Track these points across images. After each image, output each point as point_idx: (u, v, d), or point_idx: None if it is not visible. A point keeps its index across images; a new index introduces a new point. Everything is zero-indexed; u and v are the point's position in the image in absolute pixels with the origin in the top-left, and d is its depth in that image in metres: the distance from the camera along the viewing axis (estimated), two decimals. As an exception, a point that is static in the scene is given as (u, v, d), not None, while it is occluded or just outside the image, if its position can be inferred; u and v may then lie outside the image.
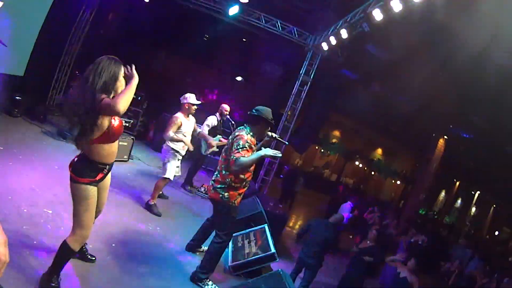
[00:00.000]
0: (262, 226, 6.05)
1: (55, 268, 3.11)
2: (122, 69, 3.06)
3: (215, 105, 8.43)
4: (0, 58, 7.66)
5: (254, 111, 4.43)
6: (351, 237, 12.41)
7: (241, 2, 10.96)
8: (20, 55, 8.90)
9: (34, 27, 8.99)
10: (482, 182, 27.13)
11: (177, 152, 6.33)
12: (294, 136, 13.29)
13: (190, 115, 6.50)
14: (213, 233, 4.86)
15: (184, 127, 6.31)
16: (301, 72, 11.91)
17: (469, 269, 10.31)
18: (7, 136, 7.27)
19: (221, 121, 8.23)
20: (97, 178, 3.13)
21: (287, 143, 5.20)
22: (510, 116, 10.70)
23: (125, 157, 8.88)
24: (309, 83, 11.85)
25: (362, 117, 24.22)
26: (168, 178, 6.30)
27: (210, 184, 4.46)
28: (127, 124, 10.84)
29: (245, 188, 4.45)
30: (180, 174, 6.85)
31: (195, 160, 8.61)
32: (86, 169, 3.06)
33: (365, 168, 30.64)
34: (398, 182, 31.17)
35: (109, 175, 3.40)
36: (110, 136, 3.06)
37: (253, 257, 5.13)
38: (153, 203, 6.21)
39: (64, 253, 3.10)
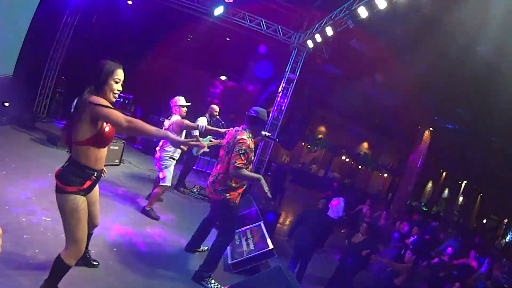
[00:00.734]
0: (257, 223, 6.14)
1: (52, 281, 3.01)
2: (120, 68, 3.03)
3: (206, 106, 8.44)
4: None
5: (252, 112, 4.49)
6: (342, 231, 12.56)
7: (226, 2, 11.01)
8: (6, 59, 8.85)
9: (20, 32, 8.95)
10: (468, 171, 27.55)
11: (173, 158, 6.35)
12: (282, 134, 13.39)
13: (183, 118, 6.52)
14: (212, 232, 4.94)
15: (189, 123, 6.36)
16: (286, 70, 12.01)
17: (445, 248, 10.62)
18: (-3, 145, 7.26)
19: (211, 121, 8.26)
20: (85, 186, 2.97)
21: (277, 140, 5.31)
22: (494, 107, 10.92)
23: (117, 161, 8.87)
24: (295, 80, 11.97)
25: (347, 112, 24.32)
26: (168, 186, 6.30)
27: (210, 186, 4.51)
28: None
29: (244, 188, 4.55)
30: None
31: (187, 161, 8.65)
32: (73, 176, 2.90)
33: (352, 162, 30.86)
34: (385, 175, 31.48)
35: (97, 187, 3.28)
36: (100, 139, 2.94)
37: (251, 254, 5.23)
38: (149, 208, 6.22)
39: (60, 269, 2.99)
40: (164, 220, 6.26)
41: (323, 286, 7.36)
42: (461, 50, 9.24)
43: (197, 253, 5.29)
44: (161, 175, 6.28)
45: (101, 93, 2.93)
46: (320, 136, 28.51)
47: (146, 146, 11.86)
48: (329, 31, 9.60)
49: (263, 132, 4.71)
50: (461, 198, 33.46)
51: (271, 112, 12.20)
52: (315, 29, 10.56)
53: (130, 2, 13.61)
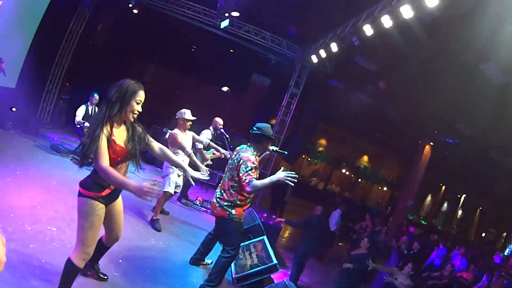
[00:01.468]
0: (261, 238, 6.14)
1: (62, 286, 3.06)
2: (143, 90, 3.07)
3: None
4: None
5: (255, 129, 4.52)
6: (340, 244, 12.55)
7: (232, 16, 11.10)
8: (12, 67, 8.91)
9: (25, 40, 9.01)
10: (467, 185, 27.57)
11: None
12: (284, 147, 13.41)
13: (187, 130, 6.55)
14: (216, 246, 4.93)
15: (182, 142, 6.38)
16: (290, 84, 12.09)
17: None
18: (2, 150, 7.28)
19: (215, 134, 8.28)
20: (103, 193, 3.04)
21: (286, 153, 5.34)
22: (493, 122, 10.99)
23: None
24: (298, 95, 12.04)
25: (348, 125, 24.44)
26: (168, 192, 6.32)
27: (215, 201, 4.53)
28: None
29: (249, 205, 4.57)
30: (179, 190, 6.91)
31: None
32: (92, 183, 3.00)
33: (352, 176, 30.86)
34: (385, 189, 31.47)
35: (120, 200, 3.37)
36: (114, 156, 2.99)
37: (255, 269, 5.22)
38: (156, 218, 6.23)
39: (69, 271, 3.05)
40: (168, 233, 6.25)
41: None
42: (463, 66, 9.30)
43: (201, 266, 5.28)
44: (163, 183, 6.34)
45: (121, 112, 3.00)
46: (320, 148, 28.55)
47: (150, 158, 11.86)
48: (334, 47, 9.68)
49: (271, 147, 4.73)
50: (460, 212, 33.40)
51: (274, 125, 12.24)
52: (319, 44, 10.64)
53: (135, 11, 13.70)
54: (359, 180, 30.95)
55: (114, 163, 3.01)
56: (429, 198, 32.53)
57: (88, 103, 8.86)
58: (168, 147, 6.39)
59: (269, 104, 17.33)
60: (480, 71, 9.37)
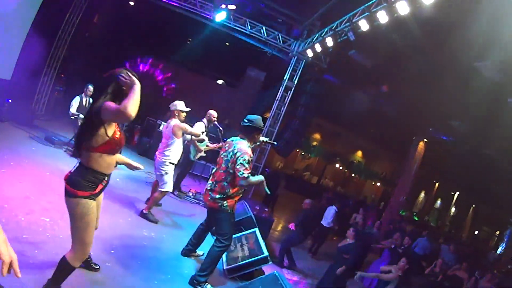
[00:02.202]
0: (252, 230, 6.21)
1: (55, 282, 3.06)
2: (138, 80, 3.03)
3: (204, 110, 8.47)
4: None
5: (246, 121, 4.57)
6: (334, 238, 12.63)
7: (228, 9, 11.10)
8: (7, 58, 8.89)
9: (21, 31, 8.98)
10: (461, 183, 27.71)
11: (172, 163, 6.38)
12: (278, 140, 13.46)
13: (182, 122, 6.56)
14: (208, 238, 4.99)
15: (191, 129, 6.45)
16: (285, 78, 12.11)
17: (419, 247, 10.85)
18: (-4, 142, 7.31)
19: (209, 127, 8.30)
20: (97, 190, 3.03)
21: (275, 143, 5.39)
22: (487, 120, 11.08)
23: (114, 163, 8.88)
24: (293, 88, 12.08)
25: (343, 120, 24.52)
26: (168, 191, 6.33)
27: (207, 193, 4.58)
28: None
29: (240, 195, 4.62)
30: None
31: (184, 166, 8.67)
32: (85, 181, 2.93)
33: (345, 171, 30.98)
34: (378, 184, 31.62)
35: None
36: (113, 146, 3.02)
37: (246, 260, 5.29)
38: (148, 212, 6.25)
39: (64, 270, 3.04)
40: (160, 224, 6.29)
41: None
42: (458, 63, 9.36)
43: (193, 258, 5.33)
44: (160, 180, 6.32)
45: (117, 102, 2.98)
46: (314, 143, 28.61)
47: (143, 149, 11.91)
48: (329, 41, 9.71)
49: (261, 138, 4.79)
50: (453, 209, 33.63)
51: (268, 118, 12.28)
52: (315, 38, 10.67)
53: (132, 3, 13.68)
54: (353, 175, 31.07)
55: (113, 153, 3.08)
56: (422, 194, 32.71)
57: (83, 94, 8.84)
58: (163, 139, 6.47)
59: (264, 97, 17.38)
60: (475, 69, 9.43)
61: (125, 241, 5.06)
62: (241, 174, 4.20)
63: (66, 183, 2.94)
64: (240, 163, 4.22)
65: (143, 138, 12.54)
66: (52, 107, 12.29)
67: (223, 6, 11.09)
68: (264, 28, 11.80)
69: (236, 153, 4.33)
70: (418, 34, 9.21)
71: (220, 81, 19.24)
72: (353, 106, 16.62)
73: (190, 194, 8.84)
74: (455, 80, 10.22)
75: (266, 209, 9.62)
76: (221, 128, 8.14)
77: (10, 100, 9.06)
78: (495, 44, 8.00)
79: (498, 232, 31.10)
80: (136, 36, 14.96)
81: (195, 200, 8.65)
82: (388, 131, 22.28)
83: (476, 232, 32.83)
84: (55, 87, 12.10)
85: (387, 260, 9.35)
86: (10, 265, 1.69)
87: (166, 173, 6.29)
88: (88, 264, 3.87)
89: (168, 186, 6.30)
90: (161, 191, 6.28)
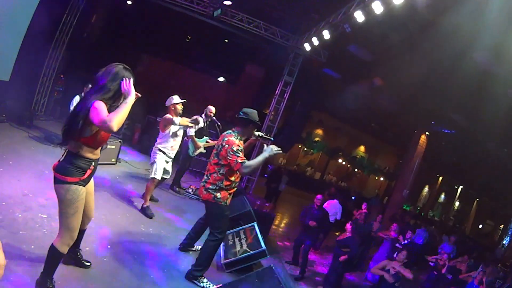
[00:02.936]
0: (251, 224, 6.21)
1: (47, 272, 3.12)
2: (133, 77, 3.14)
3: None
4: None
5: (241, 114, 4.56)
6: (337, 234, 12.63)
7: (224, 4, 11.08)
8: (5, 59, 8.90)
9: (19, 32, 8.99)
10: (464, 176, 27.64)
11: (164, 153, 6.44)
12: (278, 136, 13.46)
13: (179, 117, 6.55)
14: (206, 232, 5.00)
15: (175, 128, 6.44)
16: (284, 73, 12.09)
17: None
18: (-4, 142, 7.32)
19: (207, 122, 8.31)
20: (86, 175, 3.09)
21: (272, 139, 5.38)
22: (489, 112, 11.04)
23: (113, 160, 8.91)
24: (292, 83, 12.06)
25: (345, 115, 24.45)
26: (155, 178, 6.36)
27: (201, 186, 4.58)
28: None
29: (235, 189, 4.62)
30: (169, 177, 6.93)
31: (183, 161, 8.69)
32: (73, 167, 3.00)
33: (348, 166, 30.92)
34: (382, 179, 31.56)
35: (92, 179, 3.38)
36: (95, 141, 3.08)
37: (244, 254, 5.30)
38: (146, 205, 6.29)
39: (54, 257, 3.10)
40: (159, 219, 6.30)
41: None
42: (457, 55, 9.32)
43: (190, 252, 5.34)
44: (150, 169, 6.42)
45: (113, 99, 3.09)
46: (317, 139, 28.56)
47: (144, 147, 11.92)
48: (326, 34, 9.69)
49: (256, 133, 4.77)
50: (457, 203, 33.52)
51: (268, 114, 12.27)
52: (312, 32, 10.65)
53: (129, 2, 13.67)
54: (356, 170, 31.01)
55: (99, 145, 3.16)
56: (426, 189, 32.61)
57: (82, 93, 8.84)
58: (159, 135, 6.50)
59: (263, 93, 17.37)
60: (476, 62, 9.40)
61: (123, 237, 5.07)
62: (236, 162, 4.19)
63: (55, 171, 3.01)
64: (231, 153, 4.21)
65: (144, 136, 12.56)
66: (52, 107, 12.30)
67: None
68: (261, 23, 11.77)
69: (224, 145, 4.33)
70: (416, 26, 9.20)
71: (221, 79, 19.22)
72: (354, 100, 16.58)
73: (190, 190, 8.84)
74: (456, 72, 10.18)
75: (268, 204, 9.64)
76: (219, 124, 8.13)
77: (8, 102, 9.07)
78: (497, 36, 7.97)
79: (502, 226, 30.96)
80: (134, 35, 14.94)
81: (195, 196, 8.64)
82: (390, 125, 22.25)
83: (480, 226, 32.71)
84: (55, 87, 12.11)
85: (386, 252, 9.35)
86: None
87: (154, 162, 6.37)
88: (78, 261, 3.86)
89: (156, 174, 6.35)
90: (149, 178, 6.35)
